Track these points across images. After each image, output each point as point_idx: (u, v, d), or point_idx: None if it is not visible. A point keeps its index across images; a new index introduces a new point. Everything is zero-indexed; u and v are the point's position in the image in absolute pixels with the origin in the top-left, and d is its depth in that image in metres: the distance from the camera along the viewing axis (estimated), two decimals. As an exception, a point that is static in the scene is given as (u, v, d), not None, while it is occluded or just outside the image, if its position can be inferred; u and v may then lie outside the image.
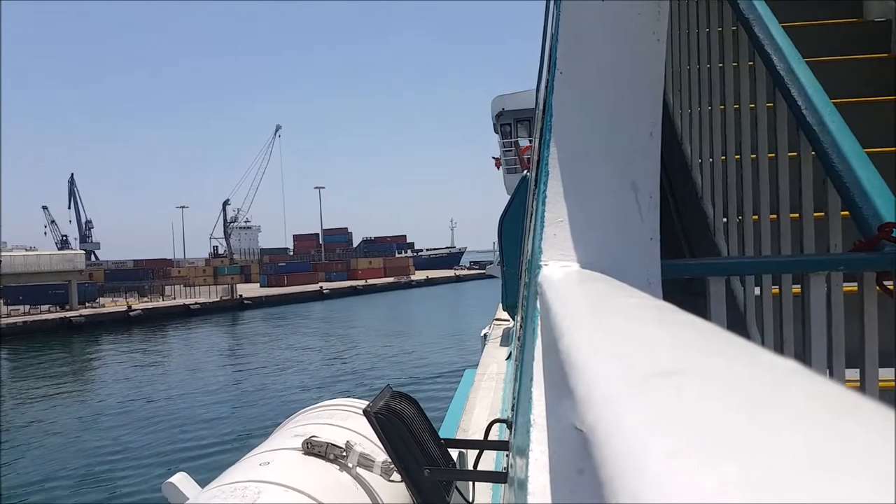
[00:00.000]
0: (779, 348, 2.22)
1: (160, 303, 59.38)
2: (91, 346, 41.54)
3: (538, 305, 1.10)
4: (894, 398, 2.02)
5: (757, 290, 2.38)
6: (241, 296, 64.17)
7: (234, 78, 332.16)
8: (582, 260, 1.21)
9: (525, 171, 10.86)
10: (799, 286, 2.17)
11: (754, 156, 2.63)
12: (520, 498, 1.04)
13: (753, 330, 2.38)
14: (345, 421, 3.83)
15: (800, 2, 4.47)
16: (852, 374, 2.09)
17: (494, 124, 25.39)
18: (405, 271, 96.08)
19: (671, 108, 3.65)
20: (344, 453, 3.25)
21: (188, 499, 3.33)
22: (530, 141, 20.26)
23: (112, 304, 56.51)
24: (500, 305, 12.28)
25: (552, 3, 1.66)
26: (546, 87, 1.45)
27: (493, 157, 27.01)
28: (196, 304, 58.91)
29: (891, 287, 2.02)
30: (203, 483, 3.47)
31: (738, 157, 2.76)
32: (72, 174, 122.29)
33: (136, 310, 53.72)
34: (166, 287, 67.01)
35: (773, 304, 2.31)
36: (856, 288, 2.09)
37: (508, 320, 11.74)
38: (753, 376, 0.38)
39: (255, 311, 59.81)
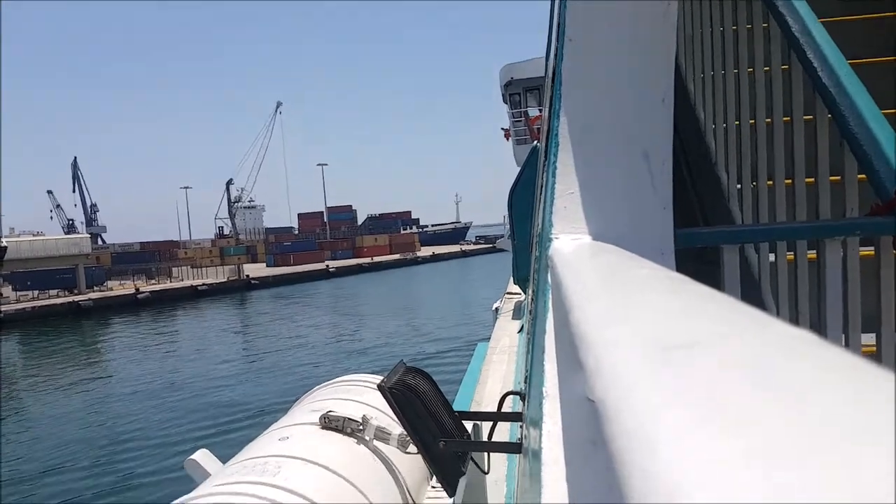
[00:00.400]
0: (794, 315, 2.20)
1: (168, 284, 59.80)
2: (101, 329, 41.82)
3: (549, 279, 1.10)
4: None
5: (772, 257, 2.36)
6: (248, 276, 64.14)
7: (234, 55, 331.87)
8: (593, 232, 1.20)
9: (535, 142, 10.76)
10: (815, 252, 2.14)
11: (769, 120, 2.59)
12: (534, 468, 1.04)
13: (768, 298, 2.36)
14: (361, 396, 3.87)
15: None
16: (868, 338, 2.08)
17: (503, 94, 24.87)
18: (411, 248, 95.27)
19: (684, 72, 3.59)
20: (361, 427, 3.29)
21: (210, 474, 3.38)
22: (540, 110, 19.99)
23: (120, 288, 56.72)
24: (511, 279, 12.28)
25: None
26: (555, 54, 1.42)
27: (503, 129, 26.62)
28: (203, 285, 59.08)
29: None
30: (224, 459, 3.52)
31: (752, 121, 2.71)
32: (75, 157, 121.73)
33: (143, 292, 53.79)
34: (173, 269, 66.84)
35: (788, 271, 2.29)
36: (872, 252, 2.06)
37: (520, 294, 11.73)
38: (766, 347, 0.38)
39: (262, 291, 59.92)
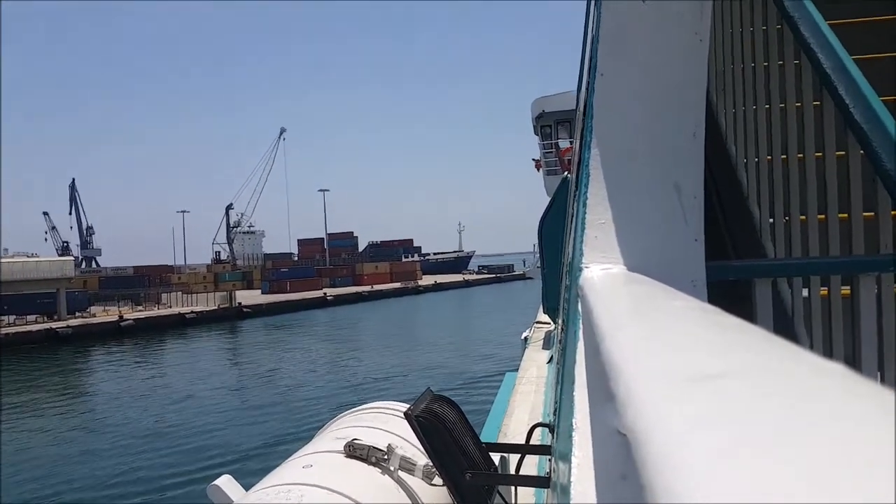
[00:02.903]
0: (828, 351, 2.16)
1: (154, 312, 55.66)
2: (79, 359, 38.06)
3: (580, 308, 1.10)
4: None
5: (805, 292, 2.33)
6: (239, 304, 60.34)
7: (237, 81, 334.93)
8: (623, 262, 1.20)
9: (566, 173, 10.78)
10: (848, 287, 2.11)
11: (801, 155, 2.57)
12: (563, 501, 1.04)
13: (801, 333, 2.32)
14: (386, 424, 3.86)
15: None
16: None
17: (534, 126, 25.25)
18: (412, 276, 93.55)
19: (715, 107, 3.59)
20: (386, 456, 3.27)
21: (233, 502, 3.38)
22: (570, 142, 20.09)
23: (103, 314, 52.55)
24: (541, 308, 12.21)
25: (593, 4, 1.65)
26: (587, 88, 1.44)
27: (534, 159, 26.86)
28: (192, 312, 55.22)
29: None
30: (247, 486, 3.53)
31: (784, 157, 2.70)
32: (73, 179, 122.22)
33: (127, 320, 49.65)
34: (163, 295, 63.30)
35: (821, 307, 2.26)
36: None
37: (549, 323, 11.65)
38: (796, 378, 0.38)
39: (254, 321, 55.95)
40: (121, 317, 50.61)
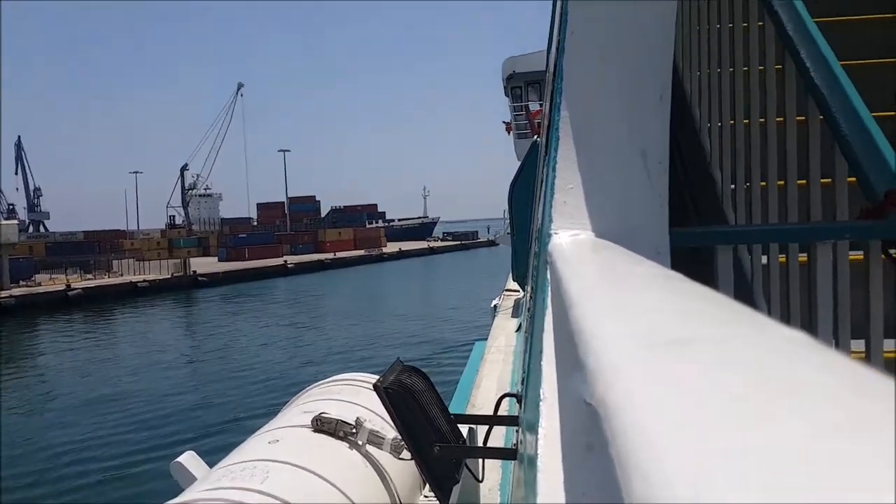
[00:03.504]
0: (785, 318, 2.20)
1: (105, 280, 51.98)
2: (25, 332, 36.03)
3: (548, 275, 1.09)
4: None
5: (764, 259, 2.36)
6: (194, 272, 56.57)
7: (191, 35, 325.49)
8: (591, 228, 1.19)
9: (536, 137, 10.73)
10: (805, 255, 2.14)
11: (763, 120, 2.59)
12: (529, 475, 1.03)
13: (760, 299, 2.36)
14: (355, 396, 3.84)
15: None
16: (858, 344, 2.07)
17: (505, 87, 24.59)
18: (376, 243, 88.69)
19: (681, 72, 3.59)
20: (354, 430, 3.27)
21: (196, 479, 3.34)
22: (541, 105, 20.01)
23: (49, 283, 48.70)
24: (510, 275, 12.24)
25: None
26: (557, 48, 1.42)
27: (504, 122, 26.39)
28: (144, 281, 51.86)
29: None
30: (211, 463, 3.49)
31: (746, 121, 2.71)
32: (19, 137, 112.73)
33: (75, 289, 46.38)
34: (114, 262, 59.40)
35: (780, 274, 2.29)
36: (862, 257, 2.06)
37: (518, 291, 11.70)
38: (762, 347, 0.38)
39: (211, 290, 52.95)
40: (68, 285, 47.29)
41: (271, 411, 4.71)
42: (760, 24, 2.61)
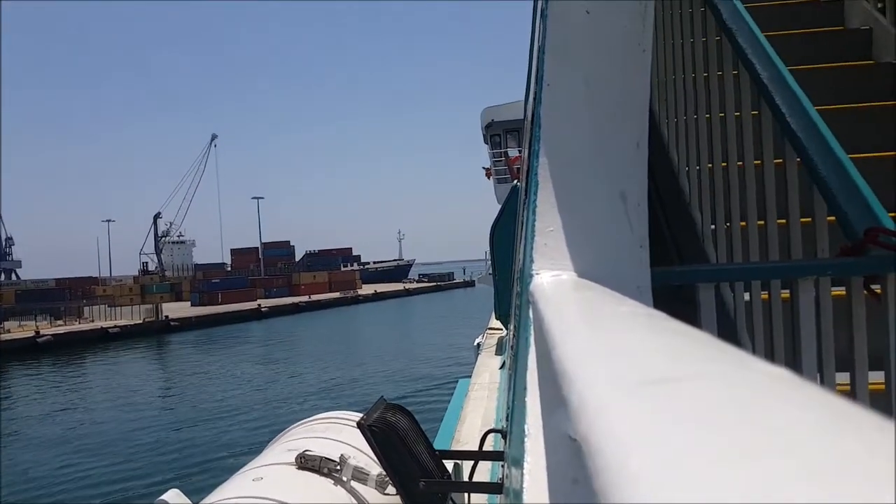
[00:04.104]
0: (769, 353, 2.23)
1: (75, 326, 51.52)
2: None
3: (531, 315, 1.11)
4: (884, 401, 2.04)
5: (746, 296, 2.40)
6: (166, 317, 56.67)
7: (168, 85, 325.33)
8: (572, 268, 1.22)
9: (515, 181, 10.87)
10: (788, 291, 2.18)
11: (741, 163, 2.65)
12: None
13: (744, 336, 2.39)
14: (339, 434, 3.81)
15: (782, 10, 4.53)
16: (842, 377, 2.11)
17: (484, 135, 25.61)
18: (351, 285, 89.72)
19: (657, 117, 3.68)
20: (338, 467, 3.24)
21: None
22: (520, 151, 20.37)
23: (19, 330, 47.90)
24: (493, 314, 12.28)
25: (539, 17, 1.68)
26: (534, 98, 1.46)
27: (484, 168, 27.19)
28: (115, 327, 51.31)
29: (878, 291, 2.04)
30: (196, 500, 3.44)
31: (724, 164, 2.78)
32: None
33: (45, 335, 45.60)
34: (85, 308, 59.02)
35: (762, 310, 2.33)
36: (844, 292, 2.11)
37: (501, 329, 11.72)
38: (745, 384, 0.39)
39: (184, 335, 52.28)
40: (37, 332, 46.44)
41: (251, 450, 4.60)
42: (735, 72, 2.70)
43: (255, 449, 4.46)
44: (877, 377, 2.09)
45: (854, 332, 2.07)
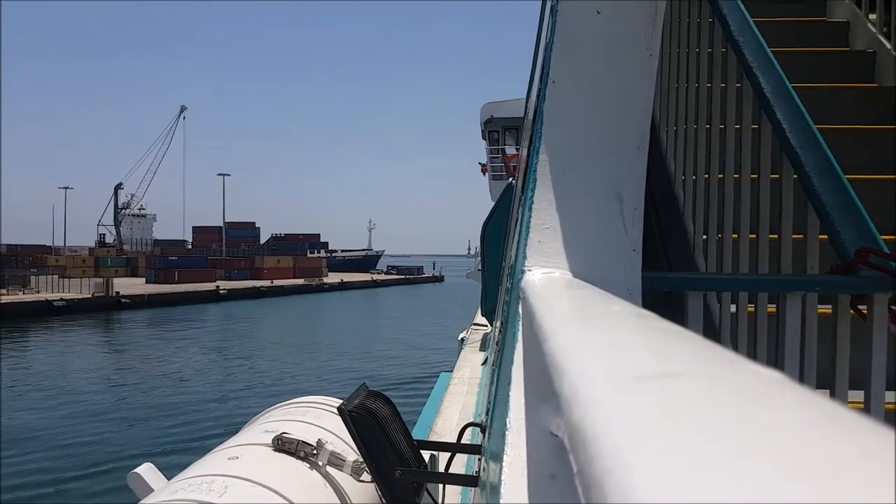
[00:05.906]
0: None
1: (17, 297, 47.63)
2: None
3: (520, 310, 1.11)
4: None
5: (733, 308, 2.41)
6: (117, 292, 52.86)
7: (136, 52, 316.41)
8: (565, 267, 1.22)
9: (510, 179, 10.89)
10: (774, 305, 2.20)
11: (737, 175, 2.66)
12: (492, 500, 1.04)
13: (728, 346, 2.41)
14: (318, 419, 3.81)
15: (786, 27, 4.56)
16: (823, 394, 2.12)
17: (483, 130, 25.58)
18: (317, 272, 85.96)
19: (657, 123, 3.68)
20: (314, 451, 3.24)
21: (153, 490, 3.28)
22: (517, 149, 20.40)
23: None
24: (479, 310, 12.29)
25: (548, 13, 1.68)
26: (538, 95, 1.46)
27: (480, 163, 27.19)
28: (61, 300, 47.79)
29: (865, 311, 2.05)
30: (169, 475, 3.43)
31: (720, 175, 2.79)
32: None
33: None
34: (34, 278, 54.69)
35: (748, 322, 2.34)
36: (830, 310, 2.12)
37: (487, 325, 11.74)
38: (739, 382, 0.39)
39: (135, 312, 48.97)
40: None
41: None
42: (738, 84, 2.70)
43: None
44: (856, 396, 2.10)
45: (837, 351, 2.08)
